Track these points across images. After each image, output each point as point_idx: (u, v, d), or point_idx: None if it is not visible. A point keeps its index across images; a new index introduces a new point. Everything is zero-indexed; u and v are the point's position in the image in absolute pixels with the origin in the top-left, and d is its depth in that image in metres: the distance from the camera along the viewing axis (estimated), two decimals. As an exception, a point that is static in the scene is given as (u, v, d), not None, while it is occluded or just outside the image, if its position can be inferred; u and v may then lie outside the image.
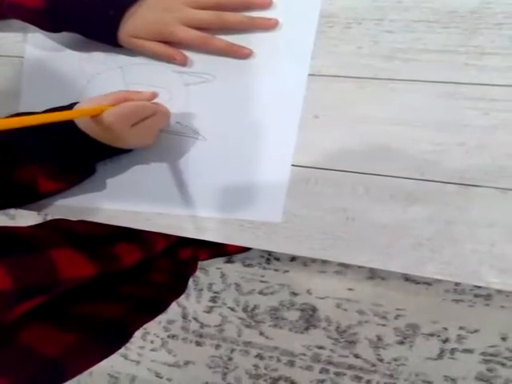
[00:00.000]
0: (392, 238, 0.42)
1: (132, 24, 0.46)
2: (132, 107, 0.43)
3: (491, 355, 0.93)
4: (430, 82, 0.41)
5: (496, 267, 0.39)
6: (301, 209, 0.45)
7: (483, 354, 0.93)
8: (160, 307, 0.66)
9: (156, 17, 0.46)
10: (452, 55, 0.41)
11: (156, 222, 0.49)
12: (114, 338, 0.55)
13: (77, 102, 0.45)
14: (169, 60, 0.48)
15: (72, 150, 0.46)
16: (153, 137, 0.48)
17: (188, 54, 0.48)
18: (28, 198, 0.51)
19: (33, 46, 0.54)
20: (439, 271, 0.41)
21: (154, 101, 0.47)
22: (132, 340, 0.57)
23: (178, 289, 0.73)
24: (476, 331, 0.93)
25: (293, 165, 0.45)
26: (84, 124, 0.43)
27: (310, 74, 0.45)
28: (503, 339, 0.92)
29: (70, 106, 0.45)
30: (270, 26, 0.45)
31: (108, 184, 0.51)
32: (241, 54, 0.46)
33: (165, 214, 0.49)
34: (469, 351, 0.94)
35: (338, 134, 0.44)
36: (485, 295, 0.92)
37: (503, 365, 0.93)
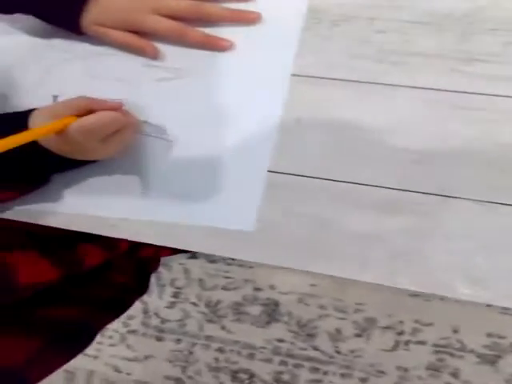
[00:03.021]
0: (367, 248, 0.42)
1: (97, 10, 0.42)
2: (102, 120, 0.38)
3: (442, 346, 0.97)
4: (416, 88, 0.40)
5: (469, 279, 0.40)
6: (276, 216, 0.43)
7: (435, 345, 0.98)
8: (123, 307, 0.64)
9: (125, 4, 0.42)
10: (442, 60, 0.40)
11: (121, 227, 0.46)
12: (78, 341, 0.52)
13: (34, 109, 0.40)
14: (138, 52, 0.45)
15: (29, 165, 0.41)
16: (122, 149, 0.44)
17: (160, 46, 0.45)
18: None
19: None
20: (413, 283, 0.41)
21: (125, 111, 0.43)
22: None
23: (140, 288, 0.72)
24: (430, 324, 0.97)
25: (270, 170, 0.43)
26: (45, 139, 0.39)
27: (293, 74, 0.43)
28: (455, 331, 0.96)
29: (26, 115, 0.39)
30: (251, 19, 0.43)
31: (69, 187, 0.46)
32: (219, 46, 0.43)
33: (131, 219, 0.46)
34: (422, 343, 0.98)
35: (320, 139, 0.42)
36: (442, 292, 0.95)
37: (452, 355, 0.97)
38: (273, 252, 0.43)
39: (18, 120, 0.39)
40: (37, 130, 0.38)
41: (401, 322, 0.98)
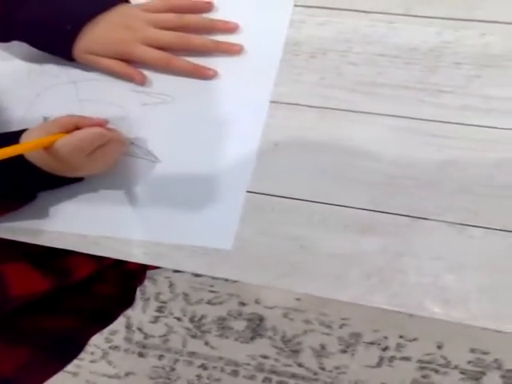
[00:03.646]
0: (343, 267, 0.42)
1: (89, 41, 0.44)
2: (87, 136, 0.40)
3: (427, 362, 0.97)
4: (387, 115, 0.42)
5: (440, 299, 0.40)
6: (255, 236, 0.44)
7: (419, 361, 0.98)
8: (109, 318, 0.64)
9: (115, 35, 0.44)
10: (410, 91, 0.42)
11: (105, 246, 0.46)
12: (66, 352, 0.53)
13: (25, 129, 0.41)
14: (127, 79, 0.46)
15: (17, 182, 0.42)
16: (109, 165, 0.45)
17: (147, 73, 0.46)
18: None
19: None
20: (387, 302, 0.41)
21: (110, 127, 0.44)
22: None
23: (126, 301, 0.72)
24: (414, 340, 0.98)
25: (249, 191, 0.44)
26: (33, 155, 0.40)
27: (272, 101, 0.45)
28: (439, 347, 0.97)
29: (18, 134, 0.41)
30: (234, 51, 0.45)
31: (53, 205, 0.47)
32: (204, 74, 0.45)
33: (114, 237, 0.46)
34: (406, 359, 0.98)
35: (297, 162, 0.44)
36: (425, 308, 0.96)
37: (437, 371, 0.97)
38: (250, 270, 0.44)
39: (10, 138, 0.40)
40: (25, 145, 0.39)
41: (385, 337, 0.98)
